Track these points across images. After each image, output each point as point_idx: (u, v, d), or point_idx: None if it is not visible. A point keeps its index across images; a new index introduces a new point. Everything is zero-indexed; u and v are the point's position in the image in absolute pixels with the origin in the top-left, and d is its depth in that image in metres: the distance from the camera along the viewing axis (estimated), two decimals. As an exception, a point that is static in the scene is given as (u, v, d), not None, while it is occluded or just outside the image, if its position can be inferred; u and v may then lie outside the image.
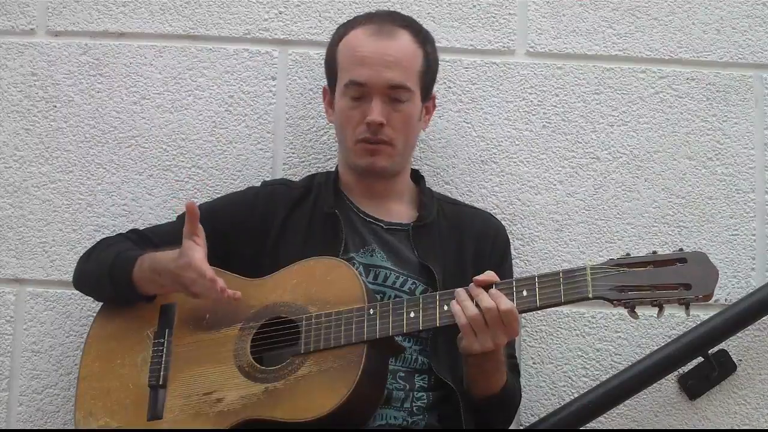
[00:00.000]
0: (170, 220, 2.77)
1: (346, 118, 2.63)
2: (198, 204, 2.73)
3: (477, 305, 2.31)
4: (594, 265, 2.29)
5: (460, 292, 2.34)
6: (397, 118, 2.60)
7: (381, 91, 2.59)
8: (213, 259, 2.47)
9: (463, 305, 2.32)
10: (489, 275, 2.35)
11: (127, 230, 2.76)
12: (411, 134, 2.66)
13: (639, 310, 2.26)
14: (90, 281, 2.68)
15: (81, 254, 2.73)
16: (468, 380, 2.49)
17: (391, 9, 2.93)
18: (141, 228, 2.76)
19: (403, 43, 2.64)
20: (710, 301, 2.28)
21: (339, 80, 2.66)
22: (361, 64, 2.60)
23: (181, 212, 2.74)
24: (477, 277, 2.35)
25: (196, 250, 2.41)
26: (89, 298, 2.78)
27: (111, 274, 2.56)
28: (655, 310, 2.25)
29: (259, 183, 2.78)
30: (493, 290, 2.32)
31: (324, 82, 2.76)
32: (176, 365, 2.49)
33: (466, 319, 2.31)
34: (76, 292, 2.83)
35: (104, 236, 2.79)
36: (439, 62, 2.77)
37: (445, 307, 2.34)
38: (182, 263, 2.41)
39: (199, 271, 2.39)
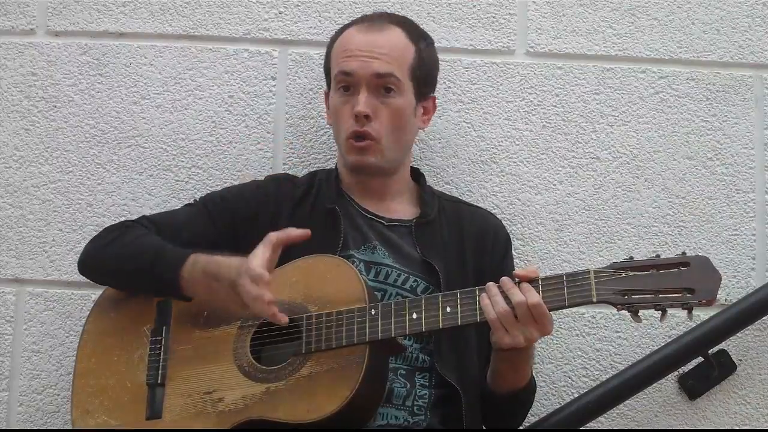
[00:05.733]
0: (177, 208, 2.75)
1: (338, 115, 2.63)
2: (206, 194, 2.73)
3: (507, 300, 2.30)
4: (597, 269, 2.29)
5: (491, 286, 2.33)
6: (385, 112, 2.59)
7: (368, 81, 2.58)
8: (220, 249, 2.46)
9: (493, 300, 2.31)
10: (528, 271, 2.34)
11: (138, 217, 2.68)
12: (402, 130, 2.63)
13: (640, 312, 2.26)
14: (112, 267, 2.56)
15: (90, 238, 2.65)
16: (494, 374, 2.48)
17: (391, 9, 2.93)
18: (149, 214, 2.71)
19: (393, 36, 2.64)
20: (712, 304, 2.28)
21: (332, 77, 2.67)
22: (350, 55, 2.61)
23: (189, 201, 2.74)
24: (516, 272, 2.34)
25: (255, 256, 2.34)
26: (89, 298, 2.79)
27: (153, 266, 2.46)
28: (658, 312, 2.26)
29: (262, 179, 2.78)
30: (525, 285, 2.31)
31: (324, 84, 2.77)
32: (174, 363, 2.48)
33: (495, 314, 2.30)
34: (77, 292, 2.85)
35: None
36: (440, 62, 2.77)
37: (448, 309, 2.33)
38: (243, 269, 2.33)
39: (253, 273, 2.31)
